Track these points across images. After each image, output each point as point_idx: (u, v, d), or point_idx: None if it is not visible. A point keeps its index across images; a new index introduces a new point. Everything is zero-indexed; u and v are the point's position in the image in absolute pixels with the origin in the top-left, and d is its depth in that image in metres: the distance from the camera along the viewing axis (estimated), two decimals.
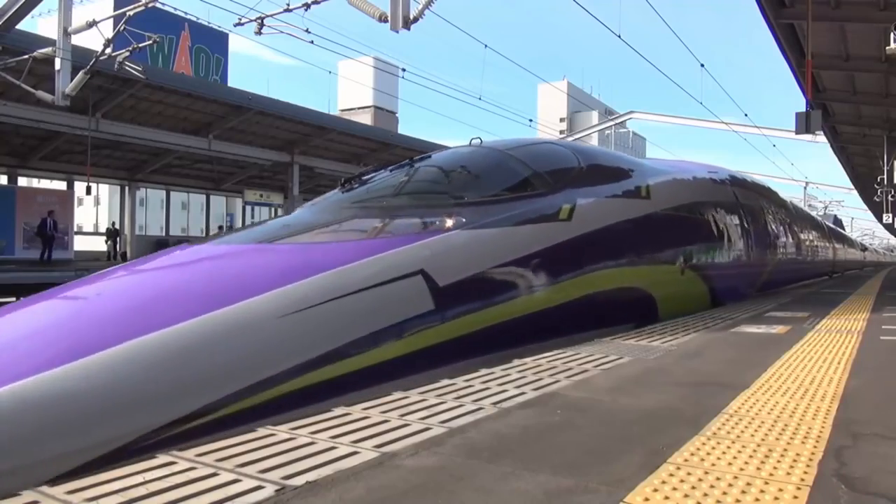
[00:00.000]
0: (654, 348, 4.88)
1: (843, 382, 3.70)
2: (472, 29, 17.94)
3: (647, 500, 2.01)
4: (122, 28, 14.70)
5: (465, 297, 5.00)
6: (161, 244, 23.25)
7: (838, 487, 2.12)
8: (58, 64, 14.90)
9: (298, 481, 2.16)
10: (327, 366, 3.91)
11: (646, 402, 3.23)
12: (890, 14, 11.32)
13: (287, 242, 5.35)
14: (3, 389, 2.97)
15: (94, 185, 24.50)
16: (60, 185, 26.80)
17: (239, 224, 31.78)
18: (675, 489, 2.09)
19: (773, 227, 13.60)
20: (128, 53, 15.36)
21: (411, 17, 10.77)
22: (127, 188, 27.85)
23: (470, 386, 3.59)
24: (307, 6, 13.07)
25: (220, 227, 32.05)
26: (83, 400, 3.10)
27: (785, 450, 2.49)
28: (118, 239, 27.09)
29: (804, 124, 11.19)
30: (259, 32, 13.71)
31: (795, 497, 2.04)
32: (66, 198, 25.28)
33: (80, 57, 15.30)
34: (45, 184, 27.60)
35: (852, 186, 37.53)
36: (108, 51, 15.21)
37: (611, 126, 44.14)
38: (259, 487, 2.13)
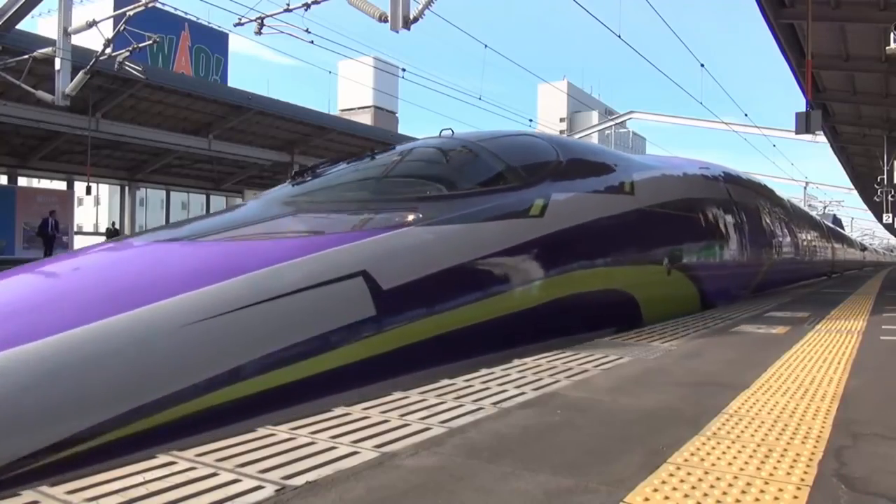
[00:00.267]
0: (654, 348, 4.88)
1: (843, 382, 3.70)
2: (472, 29, 17.96)
3: (647, 500, 2.01)
4: (122, 28, 14.71)
5: (413, 302, 4.48)
6: None
7: (838, 487, 2.12)
8: (58, 64, 14.91)
9: (298, 481, 2.16)
10: (238, 382, 3.42)
11: (646, 402, 3.23)
12: (890, 14, 11.32)
13: (212, 240, 4.83)
14: None
15: (94, 185, 24.49)
16: (60, 185, 26.79)
17: None
18: (675, 489, 2.09)
19: (769, 225, 13.37)
20: (128, 53, 15.37)
21: (411, 17, 10.79)
22: (127, 188, 27.83)
23: (470, 386, 3.58)
24: (307, 6, 13.08)
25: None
26: None
27: (785, 450, 2.49)
28: None
29: (804, 124, 11.20)
30: (259, 32, 13.72)
31: (795, 497, 2.04)
32: (66, 198, 25.27)
33: (80, 57, 15.31)
34: (45, 184, 27.61)
35: (852, 186, 37.57)
36: (108, 51, 15.22)
37: (611, 126, 44.12)
38: (259, 487, 2.13)
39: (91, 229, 41.87)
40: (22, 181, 25.66)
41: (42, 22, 38.46)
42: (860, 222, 63.28)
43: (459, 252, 4.97)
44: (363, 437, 2.65)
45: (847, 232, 49.79)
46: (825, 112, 17.72)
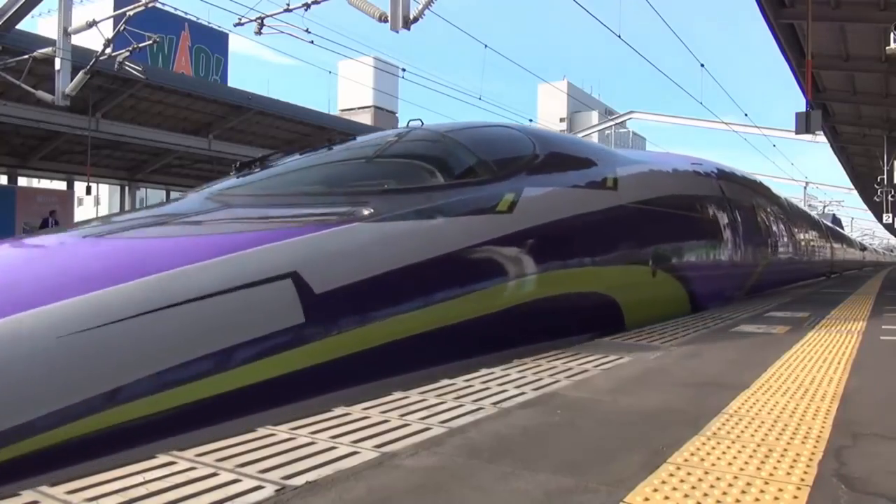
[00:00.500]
0: (654, 348, 4.88)
1: (843, 382, 3.70)
2: (472, 29, 17.96)
3: (647, 500, 2.01)
4: (122, 28, 14.72)
5: (353, 308, 4.00)
6: None
7: (838, 487, 2.12)
8: (58, 64, 14.91)
9: (298, 481, 2.16)
10: (118, 406, 2.96)
11: (646, 403, 3.23)
12: (890, 14, 11.33)
13: (120, 237, 4.34)
14: None
15: (94, 185, 24.50)
16: (60, 185, 26.79)
17: None
18: (675, 489, 2.09)
19: (765, 224, 13.06)
20: (128, 53, 15.37)
21: (411, 17, 10.80)
22: (127, 188, 27.81)
23: (470, 386, 3.58)
24: (307, 6, 13.09)
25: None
26: None
27: (785, 450, 2.49)
28: None
29: (804, 124, 11.20)
30: (259, 32, 13.74)
31: (795, 497, 2.04)
32: (67, 198, 25.25)
33: (80, 57, 15.30)
34: (45, 184, 27.59)
35: (852, 186, 37.58)
36: (108, 51, 15.22)
37: (611, 126, 44.13)
38: (259, 487, 2.13)
39: None
40: (22, 181, 25.64)
41: (42, 22, 38.41)
42: (860, 222, 63.39)
43: (412, 251, 4.49)
44: (363, 437, 2.65)
45: (847, 232, 49.80)
46: (825, 112, 17.73)
